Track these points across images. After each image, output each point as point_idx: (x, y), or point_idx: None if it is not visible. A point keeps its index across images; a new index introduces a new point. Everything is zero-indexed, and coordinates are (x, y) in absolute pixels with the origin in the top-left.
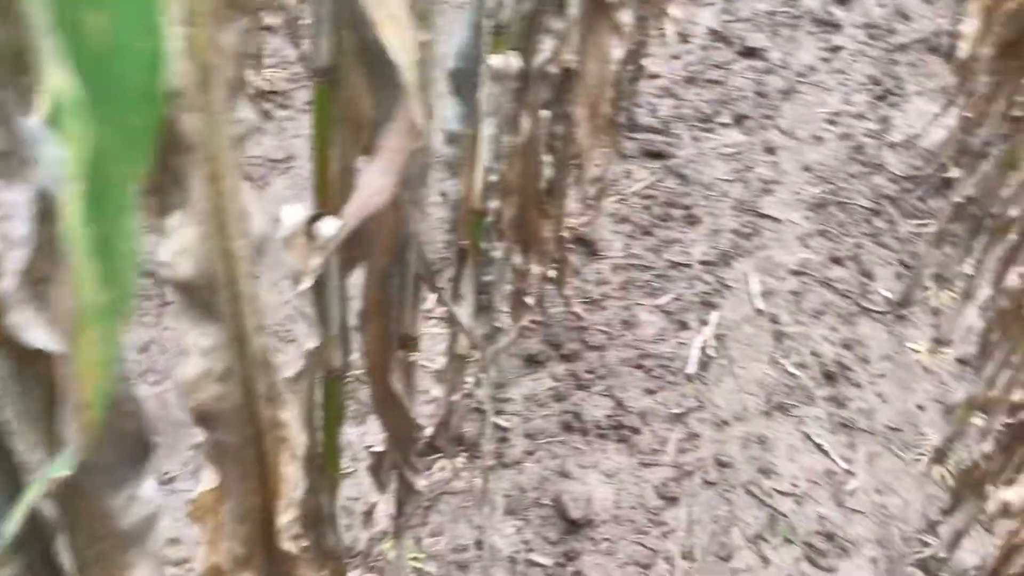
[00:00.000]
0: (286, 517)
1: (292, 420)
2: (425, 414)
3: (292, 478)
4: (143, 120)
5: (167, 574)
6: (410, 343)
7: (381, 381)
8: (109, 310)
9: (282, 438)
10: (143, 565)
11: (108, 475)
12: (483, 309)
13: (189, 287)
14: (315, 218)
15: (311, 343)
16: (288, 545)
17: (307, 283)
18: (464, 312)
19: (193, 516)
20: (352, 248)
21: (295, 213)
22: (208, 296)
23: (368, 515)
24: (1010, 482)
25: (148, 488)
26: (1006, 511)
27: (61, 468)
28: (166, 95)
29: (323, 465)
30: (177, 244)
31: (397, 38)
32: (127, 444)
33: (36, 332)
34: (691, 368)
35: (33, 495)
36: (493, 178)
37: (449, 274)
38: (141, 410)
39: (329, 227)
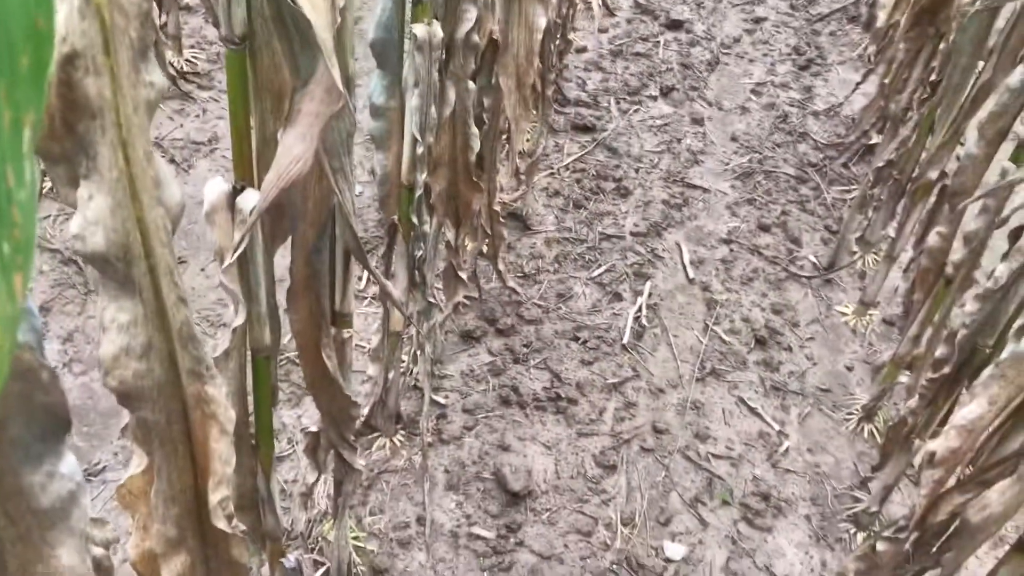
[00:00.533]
0: (218, 495)
1: (219, 395)
2: (361, 393)
3: (223, 454)
4: (32, 60)
5: (95, 554)
6: (342, 320)
7: (314, 359)
8: (7, 263)
9: (210, 414)
10: (68, 544)
11: (24, 450)
12: (417, 285)
13: (103, 260)
14: (237, 191)
15: (238, 320)
16: (222, 524)
17: (231, 259)
18: (398, 288)
19: (123, 502)
20: (277, 222)
21: (216, 187)
22: (124, 269)
23: (306, 496)
24: (935, 434)
25: (68, 464)
26: (931, 461)
27: None
28: (54, 37)
29: (256, 446)
30: (88, 215)
31: (312, 1)
32: (42, 417)
33: None
34: (626, 338)
35: None
36: (421, 150)
37: (381, 251)
38: (56, 383)
39: (250, 199)
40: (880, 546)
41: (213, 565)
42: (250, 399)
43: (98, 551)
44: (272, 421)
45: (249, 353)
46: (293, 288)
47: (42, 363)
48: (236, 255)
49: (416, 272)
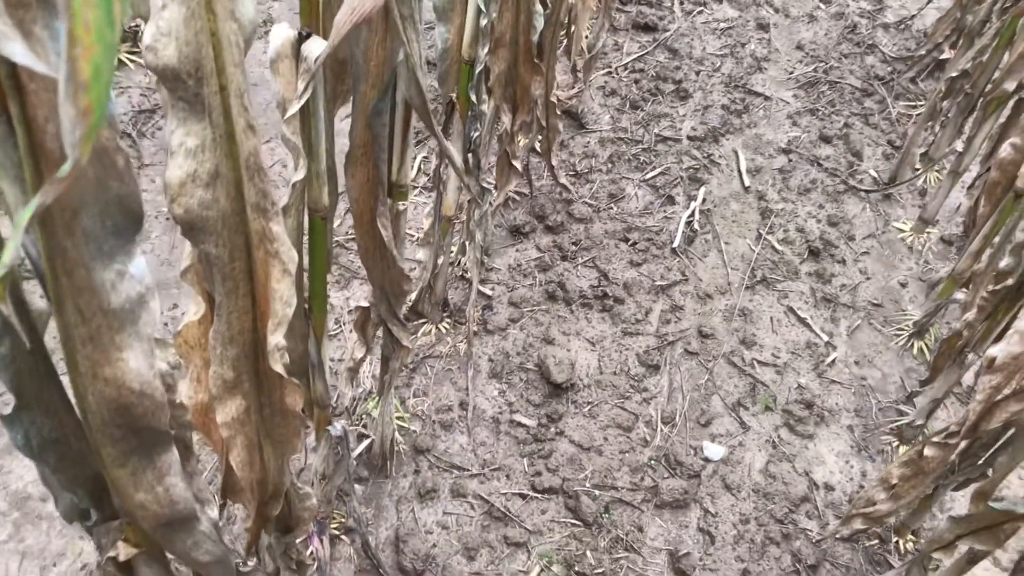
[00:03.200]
0: (276, 337)
1: (283, 234)
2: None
3: (284, 295)
4: None
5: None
6: (398, 191)
7: (369, 229)
8: None
9: (273, 252)
10: (136, 348)
11: (96, 244)
12: (470, 170)
13: (174, 75)
14: (302, 38)
15: (298, 175)
16: (279, 367)
17: (294, 108)
18: (452, 170)
19: (178, 352)
20: (339, 80)
21: (282, 33)
22: (195, 87)
23: (353, 372)
24: (997, 339)
25: (138, 266)
26: (990, 367)
27: (43, 196)
28: None
29: (310, 310)
30: (161, 25)
31: None
32: (115, 210)
33: (14, 46)
34: (676, 242)
35: (21, 224)
36: (484, 23)
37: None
38: (130, 172)
39: (316, 46)
40: (928, 451)
41: (267, 413)
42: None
43: (163, 365)
44: (326, 287)
45: (306, 213)
46: (352, 153)
47: (118, 146)
48: (300, 105)
49: (471, 155)
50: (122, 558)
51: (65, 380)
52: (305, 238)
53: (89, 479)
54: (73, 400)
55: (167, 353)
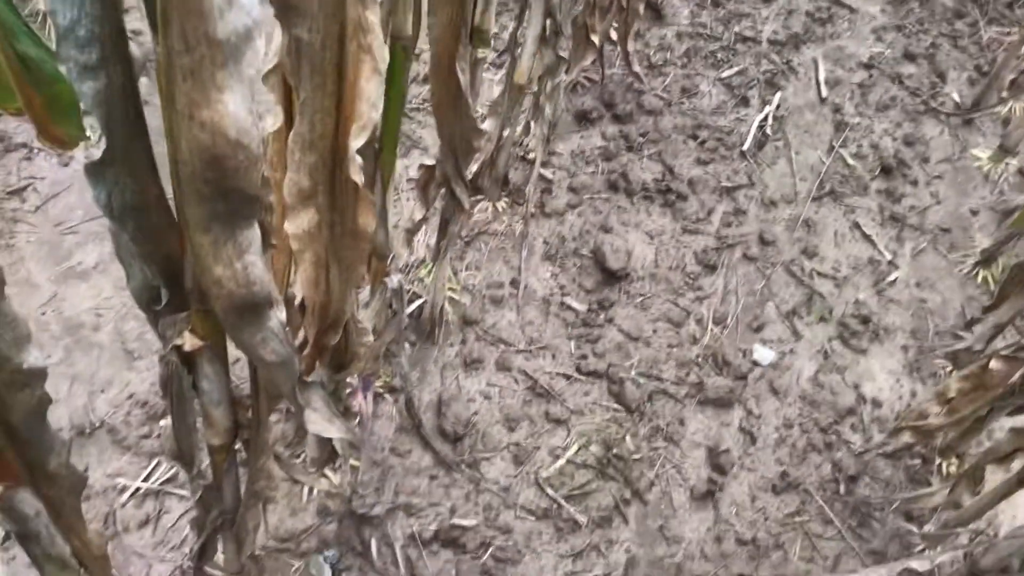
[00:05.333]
0: (359, 141)
1: (378, 26)
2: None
3: (372, 96)
4: None
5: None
6: (479, 37)
7: (446, 74)
8: None
9: (366, 47)
10: (236, 91)
11: None
12: (547, 39)
13: None
14: None
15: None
16: (357, 175)
17: None
18: (529, 37)
19: None
20: None
21: None
22: None
23: (411, 233)
24: None
25: None
26: None
27: None
28: None
29: (380, 149)
30: None
31: None
32: None
33: None
34: (747, 145)
35: None
36: None
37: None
38: None
39: None
40: (994, 364)
41: (337, 232)
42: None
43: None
44: (399, 125)
45: (388, 40)
46: None
47: None
48: None
49: (550, 20)
50: (187, 348)
51: (157, 148)
52: None
53: (164, 258)
54: (166, 153)
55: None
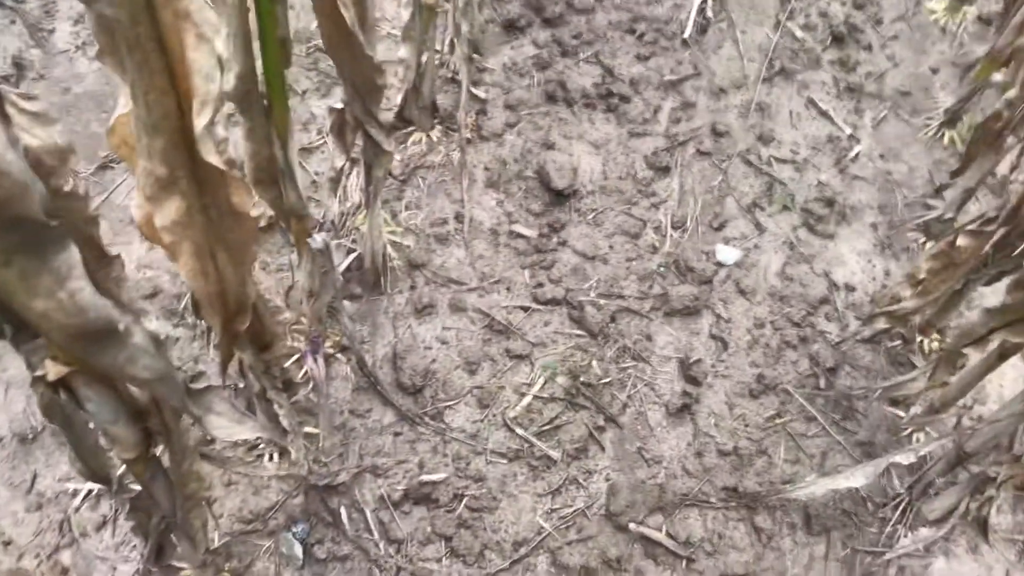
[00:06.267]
0: (204, 118)
1: None
2: (394, 85)
3: (204, 68)
4: None
5: None
6: None
7: (331, 10)
8: None
9: (183, 13)
10: None
11: None
12: None
13: None
14: None
15: None
16: (212, 157)
17: None
18: None
19: (119, 153)
20: None
21: None
22: None
23: (335, 182)
24: None
25: None
26: None
27: None
28: None
29: (269, 107)
30: None
31: None
32: None
33: None
34: (688, 32)
35: None
36: None
37: None
38: None
39: None
40: (961, 241)
41: (214, 215)
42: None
43: (33, 140)
44: (284, 79)
45: None
46: None
47: None
48: None
49: None
50: (51, 378)
51: None
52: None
53: None
54: None
55: (48, 130)
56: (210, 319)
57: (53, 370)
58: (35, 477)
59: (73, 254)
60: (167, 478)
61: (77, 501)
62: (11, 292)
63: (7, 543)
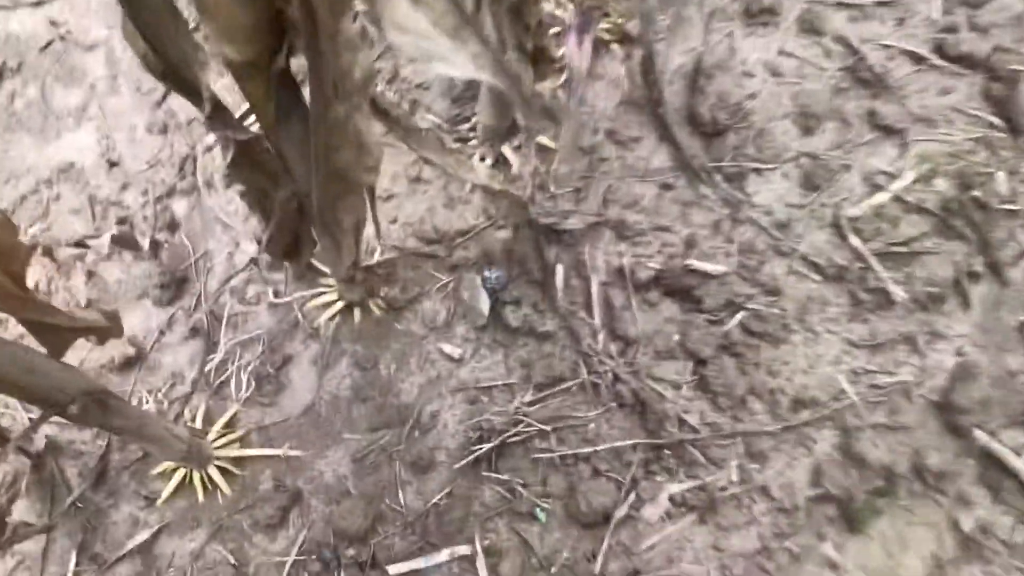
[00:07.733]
0: None
1: None
2: None
3: None
4: None
5: None
6: None
7: None
8: None
9: None
10: None
11: None
12: None
13: None
14: None
15: None
16: None
17: None
18: None
19: None
20: None
21: None
22: None
23: None
24: None
25: None
26: None
27: None
28: None
29: None
30: None
31: None
32: None
33: None
34: None
35: None
36: None
37: None
38: None
39: None
40: None
41: None
42: None
43: None
44: None
45: None
46: None
47: None
48: None
49: None
50: None
51: None
52: None
53: None
54: None
55: None
56: None
57: None
58: (168, 91)
59: None
60: (305, 124)
61: (211, 138)
62: None
63: (113, 164)
